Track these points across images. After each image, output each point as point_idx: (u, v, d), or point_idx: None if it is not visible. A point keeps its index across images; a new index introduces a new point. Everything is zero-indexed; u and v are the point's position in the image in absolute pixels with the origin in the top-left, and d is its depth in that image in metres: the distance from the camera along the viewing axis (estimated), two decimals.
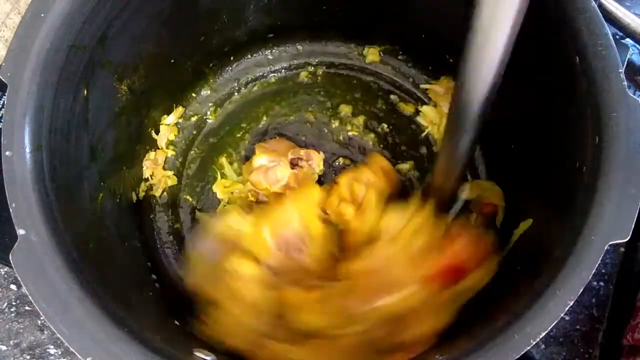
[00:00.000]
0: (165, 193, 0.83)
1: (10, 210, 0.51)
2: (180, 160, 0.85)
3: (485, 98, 0.57)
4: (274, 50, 0.89)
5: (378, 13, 0.82)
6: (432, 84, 0.86)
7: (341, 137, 0.85)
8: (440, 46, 0.80)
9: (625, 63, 0.82)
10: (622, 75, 0.54)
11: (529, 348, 0.48)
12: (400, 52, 0.88)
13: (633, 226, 0.50)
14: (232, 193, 0.82)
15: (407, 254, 0.66)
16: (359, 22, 0.84)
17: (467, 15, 0.52)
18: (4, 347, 0.77)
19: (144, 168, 0.82)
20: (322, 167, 0.81)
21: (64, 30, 0.56)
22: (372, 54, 0.88)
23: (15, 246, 0.49)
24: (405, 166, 0.83)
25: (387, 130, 0.85)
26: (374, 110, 0.86)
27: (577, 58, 0.56)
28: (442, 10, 0.75)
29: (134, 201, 0.79)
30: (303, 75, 0.89)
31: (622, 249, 0.78)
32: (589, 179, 0.53)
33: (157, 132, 0.84)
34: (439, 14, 0.76)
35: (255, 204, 0.79)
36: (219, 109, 0.88)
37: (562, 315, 0.49)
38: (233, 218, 0.72)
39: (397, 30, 0.84)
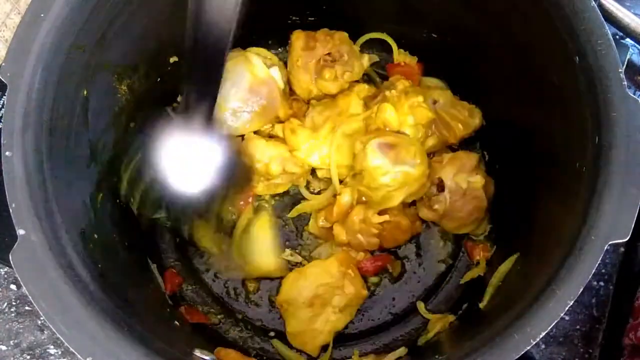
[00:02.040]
0: None
1: (10, 210, 0.51)
2: None
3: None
4: (277, 50, 0.89)
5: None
6: None
7: None
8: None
9: (625, 63, 0.82)
10: (622, 75, 0.54)
11: (529, 348, 0.48)
12: None
13: (633, 226, 0.50)
14: None
15: None
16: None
17: None
18: (4, 347, 0.77)
19: None
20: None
21: (64, 30, 0.56)
22: None
23: (15, 246, 0.49)
24: None
25: None
26: None
27: (577, 58, 0.56)
28: None
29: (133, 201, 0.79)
30: None
31: (622, 249, 0.78)
32: (589, 179, 0.53)
33: None
34: None
35: None
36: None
37: (562, 315, 0.49)
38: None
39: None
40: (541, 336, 0.48)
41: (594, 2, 0.56)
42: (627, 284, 0.76)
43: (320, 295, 0.73)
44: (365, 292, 0.76)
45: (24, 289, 0.49)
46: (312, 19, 0.83)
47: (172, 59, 0.77)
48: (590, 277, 0.49)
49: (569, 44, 0.57)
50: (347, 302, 0.74)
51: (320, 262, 0.76)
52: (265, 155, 0.77)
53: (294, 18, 0.83)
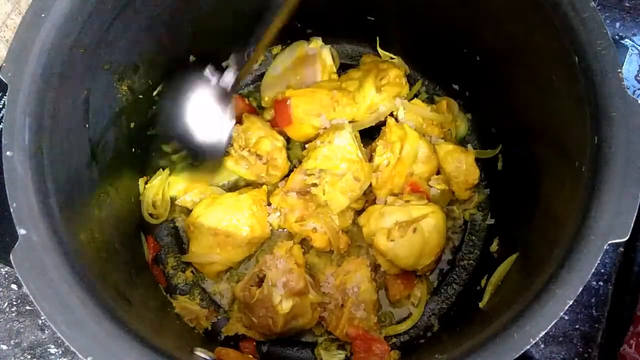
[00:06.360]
0: None
1: (11, 210, 0.51)
2: None
3: None
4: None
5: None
6: None
7: None
8: None
9: (625, 63, 0.82)
10: (622, 75, 0.54)
11: (528, 347, 0.48)
12: None
13: (632, 226, 0.50)
14: None
15: None
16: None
17: None
18: (4, 347, 0.77)
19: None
20: None
21: (64, 30, 0.56)
22: None
23: (16, 246, 0.50)
24: None
25: None
26: None
27: (577, 58, 0.56)
28: None
29: (133, 201, 0.79)
30: None
31: (622, 249, 0.78)
32: (588, 179, 0.53)
33: None
34: None
35: None
36: None
37: (561, 314, 0.49)
38: None
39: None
40: (541, 335, 0.48)
41: (593, 2, 0.56)
42: (627, 284, 0.76)
43: (226, 227, 0.75)
44: (268, 233, 0.78)
45: (24, 289, 0.49)
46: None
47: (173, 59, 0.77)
48: (589, 276, 0.49)
49: (569, 44, 0.57)
50: (250, 239, 0.76)
51: (235, 195, 0.78)
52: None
53: None
